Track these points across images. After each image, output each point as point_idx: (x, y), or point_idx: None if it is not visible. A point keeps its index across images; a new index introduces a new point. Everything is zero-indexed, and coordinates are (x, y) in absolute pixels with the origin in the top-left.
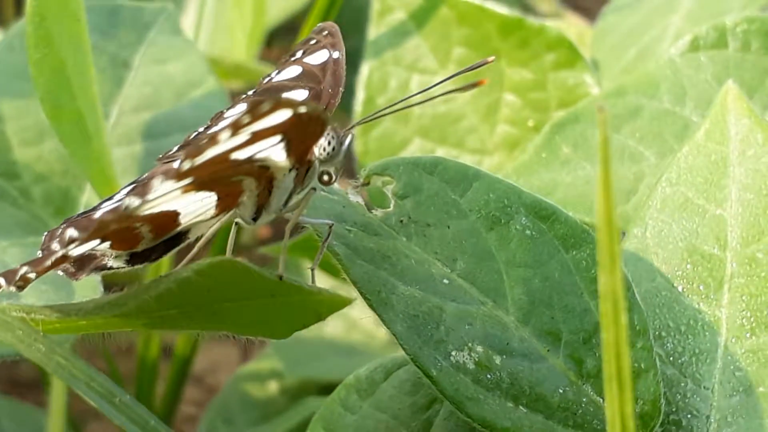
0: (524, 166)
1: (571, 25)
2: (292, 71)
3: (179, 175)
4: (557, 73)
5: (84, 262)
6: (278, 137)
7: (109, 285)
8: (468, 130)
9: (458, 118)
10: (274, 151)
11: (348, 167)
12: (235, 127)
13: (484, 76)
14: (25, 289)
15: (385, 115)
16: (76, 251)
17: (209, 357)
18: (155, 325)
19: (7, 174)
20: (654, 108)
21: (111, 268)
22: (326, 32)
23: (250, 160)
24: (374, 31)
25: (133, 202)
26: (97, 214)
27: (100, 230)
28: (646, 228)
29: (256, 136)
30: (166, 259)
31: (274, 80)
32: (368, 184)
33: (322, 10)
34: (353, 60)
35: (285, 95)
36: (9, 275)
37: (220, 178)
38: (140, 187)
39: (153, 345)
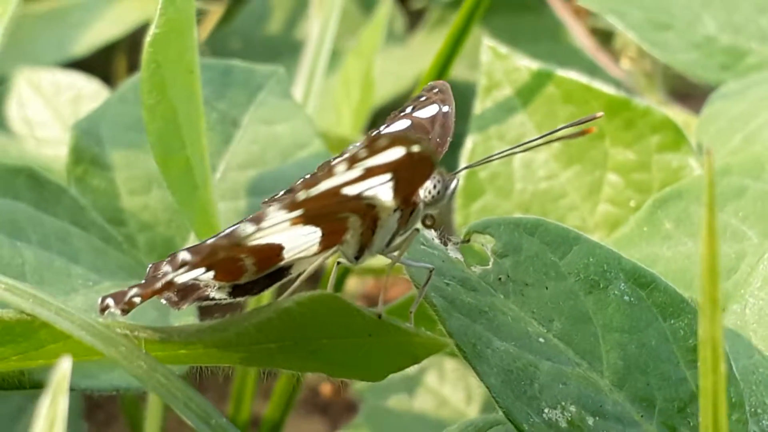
0: (625, 238)
1: (676, 114)
2: (401, 124)
3: (293, 205)
4: (661, 155)
5: (187, 292)
6: (388, 175)
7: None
8: (569, 207)
9: (560, 195)
10: (382, 190)
11: (448, 223)
12: (352, 161)
13: (582, 157)
14: (127, 315)
15: (494, 159)
16: (184, 277)
17: (297, 429)
18: (253, 360)
19: (114, 220)
20: (759, 189)
21: (213, 299)
22: (437, 89)
23: (358, 197)
24: (480, 105)
25: (248, 228)
26: (210, 240)
27: (212, 255)
28: (745, 305)
29: (369, 173)
30: (267, 294)
31: (382, 132)
32: (468, 241)
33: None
34: (456, 141)
35: None
36: (118, 297)
37: (329, 213)
38: (255, 216)
39: (243, 411)
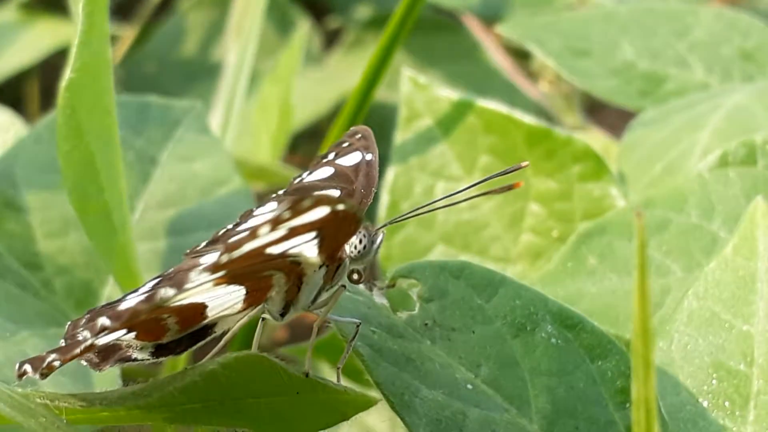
0: (549, 275)
1: (596, 139)
2: (324, 172)
3: (216, 268)
4: (583, 185)
5: (108, 353)
6: (313, 233)
7: (126, 380)
8: (492, 238)
9: (482, 225)
10: (307, 247)
11: (372, 269)
12: (275, 223)
13: (515, 181)
14: (47, 379)
15: (412, 216)
16: (104, 339)
17: None
18: (177, 419)
19: (30, 265)
20: (682, 222)
21: (135, 359)
22: (359, 135)
23: (283, 255)
24: (400, 136)
25: (168, 292)
26: (129, 304)
27: (132, 318)
28: (672, 342)
29: (293, 232)
30: (184, 355)
31: (305, 180)
32: (393, 286)
33: (347, 118)
34: (379, 166)
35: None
36: (36, 362)
37: (253, 272)
38: (177, 278)
39: None
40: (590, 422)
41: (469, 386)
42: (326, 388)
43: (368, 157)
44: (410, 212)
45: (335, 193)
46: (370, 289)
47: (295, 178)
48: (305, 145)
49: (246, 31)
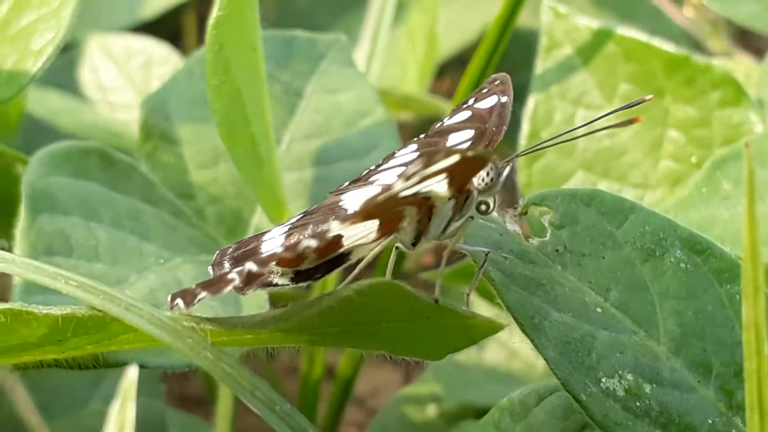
0: (684, 200)
1: (741, 64)
2: (462, 116)
3: (352, 217)
4: (722, 111)
5: (251, 279)
6: (443, 175)
7: (274, 302)
8: (631, 164)
9: (621, 152)
10: (438, 186)
11: (512, 197)
12: (407, 178)
13: (645, 113)
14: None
15: (544, 147)
16: (253, 276)
17: (371, 380)
18: (317, 342)
19: (183, 195)
20: None
21: (276, 284)
22: (498, 81)
23: (415, 195)
24: (541, 65)
25: (312, 243)
26: (275, 248)
27: (273, 262)
28: None
29: (424, 178)
30: (333, 277)
31: (445, 123)
32: (526, 213)
33: (489, 47)
34: (520, 94)
35: (452, 135)
36: (186, 296)
37: (386, 209)
38: (316, 229)
39: (317, 366)
40: (718, 344)
41: (599, 309)
42: (455, 313)
43: (503, 99)
44: (540, 143)
45: (470, 133)
46: (503, 217)
47: (436, 124)
48: (452, 72)
49: None
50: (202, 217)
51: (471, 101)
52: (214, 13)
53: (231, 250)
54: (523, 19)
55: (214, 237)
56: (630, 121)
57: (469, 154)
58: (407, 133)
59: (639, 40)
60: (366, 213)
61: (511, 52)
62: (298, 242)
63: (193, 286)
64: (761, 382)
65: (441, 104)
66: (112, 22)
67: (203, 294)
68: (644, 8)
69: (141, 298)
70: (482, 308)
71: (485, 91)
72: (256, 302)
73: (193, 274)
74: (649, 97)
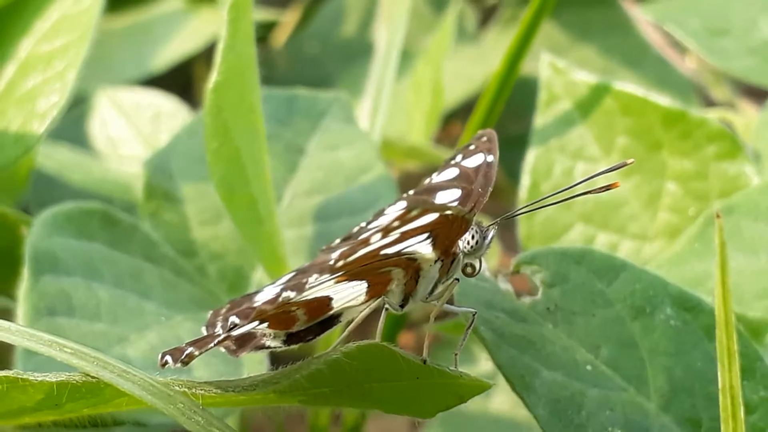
0: (677, 256)
1: (742, 113)
2: (450, 173)
3: (332, 271)
4: (718, 164)
5: (245, 341)
6: (425, 234)
7: (275, 358)
8: (629, 216)
9: (620, 204)
10: (422, 246)
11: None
12: (386, 231)
13: (643, 166)
14: (195, 361)
15: (534, 209)
16: (237, 332)
17: (379, 426)
18: (310, 402)
19: (185, 252)
20: None
21: (269, 347)
22: (485, 138)
23: (398, 253)
24: (540, 119)
25: (290, 294)
26: (257, 304)
27: (258, 317)
28: None
29: (405, 235)
30: (336, 331)
31: (434, 180)
32: (518, 272)
33: (492, 96)
34: (523, 141)
35: (439, 194)
36: (176, 354)
37: (371, 269)
38: (299, 281)
39: (323, 413)
40: (707, 400)
41: (589, 367)
42: (443, 373)
43: (489, 158)
44: (525, 206)
45: (457, 192)
46: (495, 276)
47: (425, 179)
48: (459, 121)
49: (395, 13)
50: (204, 273)
51: (459, 158)
52: (213, 77)
53: (224, 310)
54: (528, 66)
55: (216, 293)
56: (607, 188)
57: (449, 211)
58: (414, 182)
59: (636, 95)
60: (349, 270)
61: (517, 98)
62: (278, 295)
63: (183, 344)
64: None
65: (445, 154)
66: (122, 74)
67: (190, 349)
68: (650, 57)
69: (141, 356)
70: (482, 358)
71: (472, 147)
72: (257, 359)
73: (194, 331)
74: (631, 160)
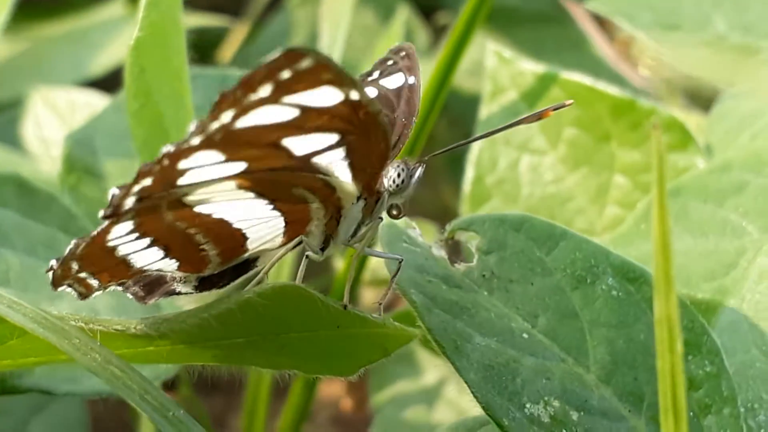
0: (622, 236)
1: (693, 120)
2: (369, 92)
3: (216, 145)
4: (668, 156)
5: (153, 286)
6: (335, 136)
7: None
8: (576, 211)
9: (567, 199)
10: (337, 163)
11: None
12: (276, 88)
13: (591, 158)
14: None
15: (458, 147)
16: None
17: None
18: (224, 357)
19: None
20: (759, 184)
21: (180, 292)
22: (403, 53)
23: (310, 166)
24: (486, 110)
25: (169, 148)
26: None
27: (140, 177)
28: (743, 300)
29: (308, 120)
30: None
31: None
32: (453, 238)
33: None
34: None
35: None
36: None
37: (281, 186)
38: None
39: (257, 425)
40: (650, 373)
41: (525, 335)
42: (366, 321)
43: (410, 80)
44: (449, 147)
45: None
46: (430, 242)
47: None
48: None
49: (335, 23)
50: None
51: (376, 74)
52: (134, 34)
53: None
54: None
55: None
56: (538, 116)
57: (354, 95)
58: None
59: (584, 84)
60: (233, 141)
61: (449, 114)
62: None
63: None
64: (675, 381)
65: None
66: (61, 79)
67: (72, 246)
68: (604, 72)
69: None
70: (430, 364)
71: (390, 63)
72: None
73: (107, 301)
74: (570, 102)
